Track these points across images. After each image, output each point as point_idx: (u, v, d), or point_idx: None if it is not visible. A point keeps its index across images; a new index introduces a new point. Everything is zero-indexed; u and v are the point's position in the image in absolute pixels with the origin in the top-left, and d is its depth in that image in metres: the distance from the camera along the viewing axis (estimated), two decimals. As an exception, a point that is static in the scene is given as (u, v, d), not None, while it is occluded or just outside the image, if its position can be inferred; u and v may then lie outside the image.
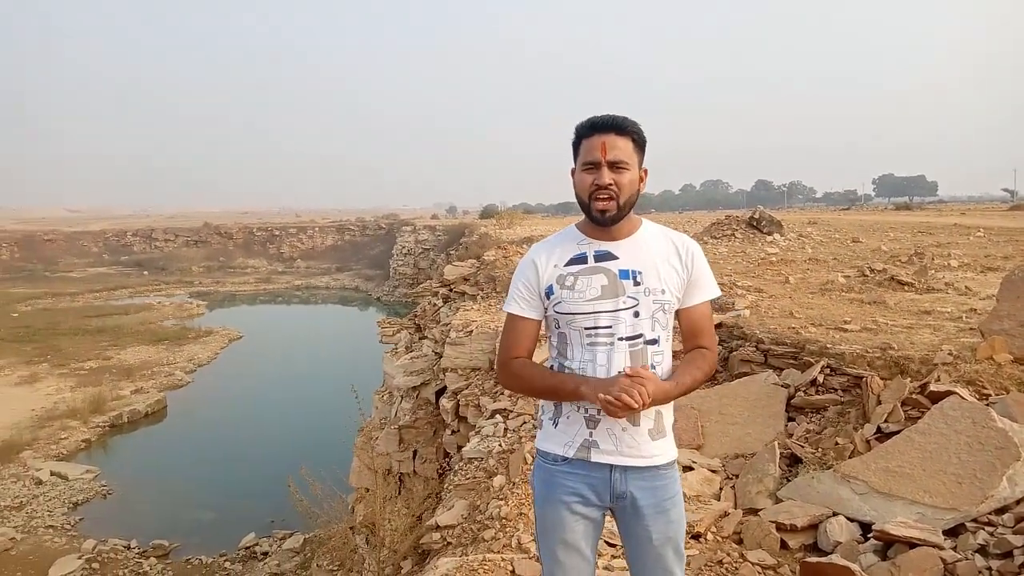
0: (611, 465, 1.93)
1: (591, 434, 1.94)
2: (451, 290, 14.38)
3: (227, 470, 18.42)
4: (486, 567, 3.11)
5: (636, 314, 1.92)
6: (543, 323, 2.09)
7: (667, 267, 1.96)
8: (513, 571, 3.08)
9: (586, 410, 1.94)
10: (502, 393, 8.99)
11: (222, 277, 62.77)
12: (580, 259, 1.97)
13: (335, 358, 28.68)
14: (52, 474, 17.44)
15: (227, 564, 13.89)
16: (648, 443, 1.93)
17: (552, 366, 2.05)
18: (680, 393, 1.93)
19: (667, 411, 1.98)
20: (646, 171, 2.00)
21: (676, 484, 2.00)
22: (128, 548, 14.23)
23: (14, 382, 25.46)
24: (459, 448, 8.51)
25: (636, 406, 1.77)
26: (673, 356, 2.05)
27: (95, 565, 13.43)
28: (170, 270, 63.81)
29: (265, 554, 14.10)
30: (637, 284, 1.93)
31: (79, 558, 13.51)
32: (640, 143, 1.95)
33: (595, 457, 1.94)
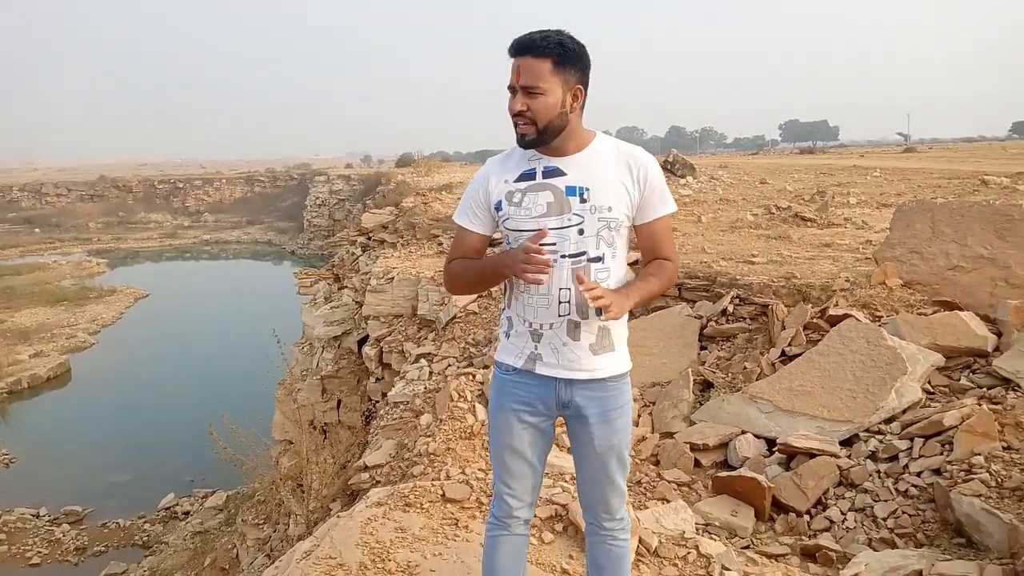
0: (555, 377, 1.99)
1: (536, 347, 2.00)
2: (370, 238, 14.14)
3: (141, 432, 17.81)
4: (416, 492, 3.18)
5: (581, 231, 1.91)
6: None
7: (617, 184, 1.93)
8: (444, 495, 3.17)
9: (530, 324, 2.00)
10: (425, 338, 9.03)
11: (123, 233, 59.45)
12: (529, 175, 1.96)
13: (250, 313, 27.86)
14: (-53, 445, 16.44)
15: (146, 526, 13.59)
16: (589, 357, 1.96)
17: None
18: (639, 298, 1.91)
19: (615, 327, 1.98)
20: (580, 89, 1.90)
21: (623, 396, 2.03)
22: (37, 516, 13.68)
23: None
24: (384, 395, 8.52)
25: (541, 263, 1.80)
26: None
27: (1, 536, 12.87)
28: (65, 227, 59.88)
29: (187, 513, 13.84)
30: (584, 201, 1.90)
31: (-16, 529, 12.91)
32: (563, 61, 1.85)
33: (539, 369, 2.00)
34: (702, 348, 5.57)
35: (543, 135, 1.89)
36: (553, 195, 1.92)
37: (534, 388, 2.02)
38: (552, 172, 1.94)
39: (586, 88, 1.93)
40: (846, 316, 4.87)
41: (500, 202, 1.99)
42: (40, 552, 12.53)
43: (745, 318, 5.58)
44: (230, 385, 19.52)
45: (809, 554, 3.28)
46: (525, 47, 1.85)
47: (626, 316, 2.00)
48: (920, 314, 4.87)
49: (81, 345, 25.52)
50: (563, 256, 1.92)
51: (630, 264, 2.12)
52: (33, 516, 13.64)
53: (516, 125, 1.90)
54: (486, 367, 5.95)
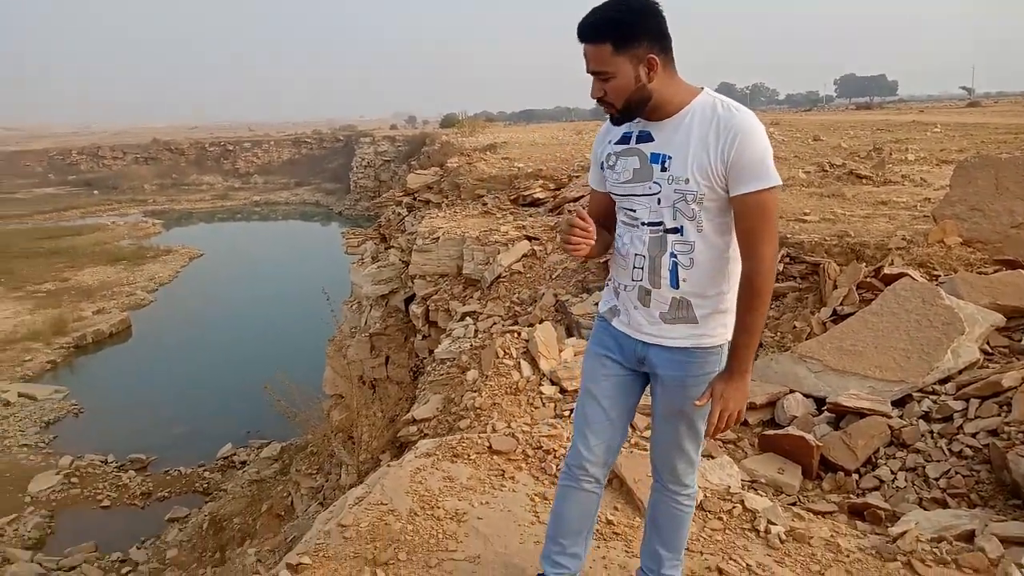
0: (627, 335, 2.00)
1: (617, 303, 2.02)
2: (415, 199, 14.23)
3: (199, 385, 18.51)
4: (464, 444, 3.26)
5: (658, 201, 1.85)
6: None
7: (700, 152, 1.78)
8: (490, 447, 3.24)
9: (614, 280, 2.02)
10: (471, 297, 9.12)
11: (176, 195, 60.95)
12: (626, 138, 1.92)
13: (300, 273, 28.45)
14: (20, 395, 17.36)
15: (206, 474, 14.19)
16: (659, 325, 1.92)
17: None
18: (747, 364, 1.83)
19: (699, 300, 1.88)
20: (653, 58, 1.76)
21: (705, 366, 1.92)
22: (105, 463, 14.41)
23: (-31, 307, 24.88)
24: (430, 352, 8.67)
25: (572, 246, 1.82)
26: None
27: (74, 479, 13.62)
28: (121, 189, 61.63)
29: (244, 463, 14.40)
30: (664, 170, 1.83)
31: (57, 473, 13.67)
32: (623, 39, 1.75)
33: (615, 323, 2.03)
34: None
35: (629, 111, 1.84)
36: (639, 161, 1.88)
37: (618, 337, 2.02)
38: (644, 137, 1.88)
39: (664, 48, 1.79)
40: (901, 275, 4.74)
41: (603, 164, 1.99)
42: (109, 496, 13.24)
43: (795, 277, 5.48)
44: (283, 341, 20.08)
45: (857, 512, 3.26)
46: (584, 34, 1.79)
47: (728, 292, 1.90)
48: (980, 273, 4.72)
49: (140, 303, 26.46)
50: (642, 223, 1.89)
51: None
52: (102, 462, 14.38)
53: (602, 106, 1.88)
54: (531, 325, 5.99)
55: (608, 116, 1.91)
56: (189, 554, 11.24)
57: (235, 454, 14.81)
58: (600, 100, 1.84)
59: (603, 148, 1.99)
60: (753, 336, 1.83)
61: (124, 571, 10.89)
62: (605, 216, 2.07)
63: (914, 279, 4.66)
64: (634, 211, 1.90)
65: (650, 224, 1.87)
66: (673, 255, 1.86)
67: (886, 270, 4.88)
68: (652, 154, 1.85)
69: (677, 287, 1.87)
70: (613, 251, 2.04)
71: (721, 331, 1.91)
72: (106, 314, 24.42)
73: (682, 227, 1.84)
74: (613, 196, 1.98)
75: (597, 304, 6.59)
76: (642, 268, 1.91)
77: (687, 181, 1.79)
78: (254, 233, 46.08)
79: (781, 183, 1.78)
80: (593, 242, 1.86)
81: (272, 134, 76.71)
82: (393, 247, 13.13)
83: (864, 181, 8.38)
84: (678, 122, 1.82)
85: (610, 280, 2.07)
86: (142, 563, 11.08)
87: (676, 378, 1.94)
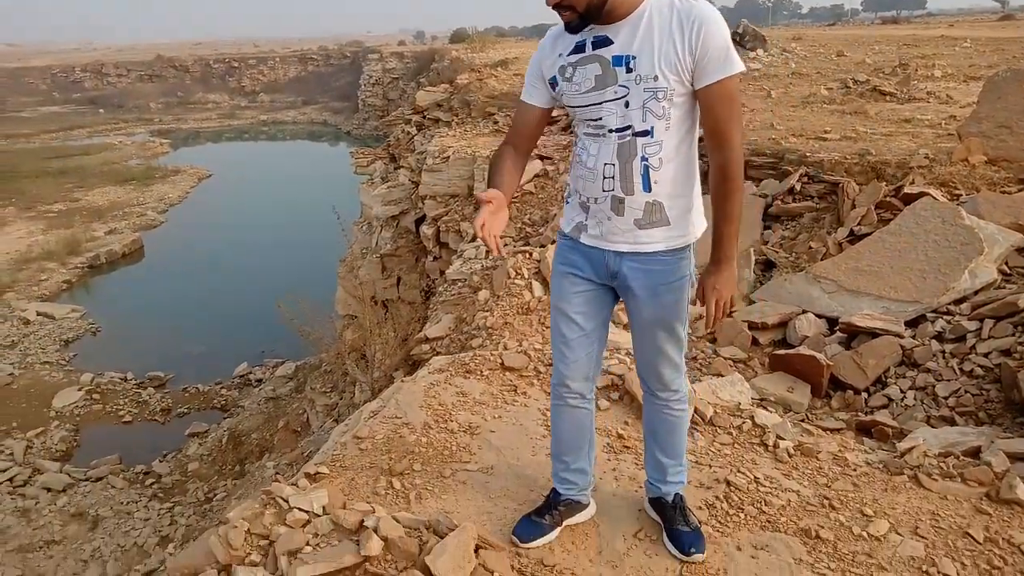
0: (599, 248, 1.97)
1: (585, 218, 1.97)
2: (424, 117, 13.96)
3: (212, 305, 18.75)
4: (476, 360, 3.29)
5: (627, 104, 1.79)
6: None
7: (667, 47, 1.74)
8: (502, 363, 3.27)
9: (580, 195, 1.97)
10: (482, 218, 9.06)
11: (183, 113, 60.10)
12: (580, 47, 1.84)
13: (309, 193, 28.30)
14: (39, 314, 17.65)
15: (223, 391, 14.54)
16: (634, 231, 1.90)
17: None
18: (729, 250, 1.86)
19: (671, 202, 1.87)
20: None
21: (676, 271, 1.93)
22: (125, 380, 14.77)
23: (-17, 227, 25.03)
24: (441, 273, 8.69)
25: (486, 239, 1.75)
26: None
27: (95, 396, 14.01)
28: (127, 107, 60.79)
29: (259, 381, 14.74)
30: (629, 71, 1.77)
31: (79, 390, 14.05)
32: None
33: (583, 239, 1.99)
34: (766, 228, 5.44)
35: (587, 16, 1.77)
36: (600, 67, 1.81)
37: (586, 252, 2.00)
38: (601, 42, 1.81)
39: None
40: (922, 194, 4.65)
41: (555, 77, 1.91)
42: (130, 411, 13.64)
43: (813, 197, 5.39)
44: (294, 262, 20.19)
45: (864, 429, 3.30)
46: None
47: (693, 188, 1.91)
48: (1003, 192, 4.62)
49: (151, 223, 26.51)
50: (609, 131, 1.84)
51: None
52: (121, 380, 14.75)
53: (560, 15, 1.80)
54: (542, 246, 5.96)
55: (566, 26, 1.82)
56: (210, 467, 11.65)
57: (251, 372, 15.14)
58: (558, 6, 1.76)
59: (552, 61, 1.91)
60: (733, 222, 1.84)
61: (148, 483, 11.32)
62: (528, 138, 2.05)
63: (935, 198, 4.57)
64: (599, 119, 1.85)
65: (618, 130, 1.83)
66: (644, 158, 1.83)
67: (907, 189, 4.78)
68: (615, 57, 1.79)
69: (649, 190, 1.85)
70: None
71: (691, 229, 1.93)
72: (118, 234, 24.53)
73: (652, 128, 1.81)
74: (572, 109, 1.92)
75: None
76: (612, 177, 1.86)
77: (656, 78, 1.75)
78: (262, 153, 45.61)
79: (744, 69, 1.77)
80: (504, 222, 1.83)
81: (278, 51, 74.88)
82: (403, 167, 12.98)
83: (888, 98, 8.12)
84: (636, 21, 1.77)
85: (571, 196, 2.03)
86: (165, 475, 11.50)
87: (648, 287, 1.94)
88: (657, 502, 2.21)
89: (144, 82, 65.98)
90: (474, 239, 8.18)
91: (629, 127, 1.81)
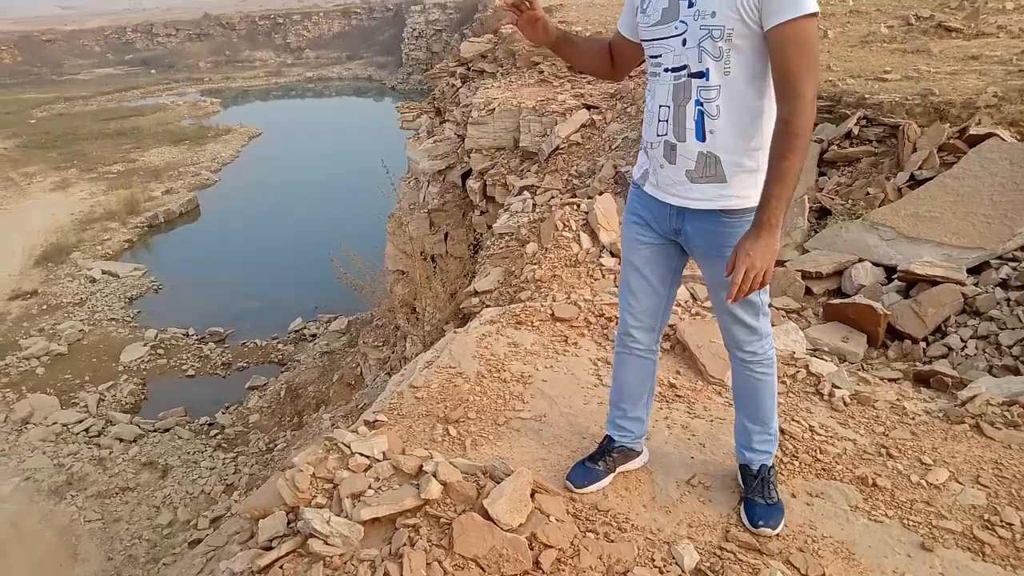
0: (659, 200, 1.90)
1: (648, 165, 1.92)
2: (469, 69, 13.78)
3: (267, 261, 19.23)
4: (527, 312, 3.33)
5: (684, 42, 1.70)
6: None
7: None
8: (553, 314, 3.30)
9: (643, 139, 1.92)
10: (528, 170, 8.99)
11: (231, 72, 60.68)
12: None
13: (357, 149, 28.48)
14: (104, 272, 18.39)
15: (280, 346, 15.02)
16: (686, 185, 1.80)
17: None
18: (778, 213, 1.65)
19: (729, 156, 1.75)
20: None
21: (742, 233, 1.75)
22: (187, 335, 15.37)
23: (48, 188, 25.96)
24: (489, 227, 8.70)
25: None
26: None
27: (160, 351, 14.63)
28: (177, 67, 61.65)
29: (314, 336, 15.16)
30: (691, 5, 1.67)
31: (144, 345, 14.70)
32: None
33: (646, 187, 1.94)
34: (821, 174, 5.28)
35: None
36: (668, 0, 1.73)
37: (651, 205, 1.93)
38: None
39: None
40: (989, 135, 4.44)
41: (637, 7, 1.84)
42: (193, 365, 14.23)
43: (872, 140, 5.19)
44: (344, 217, 20.45)
45: (923, 379, 3.24)
46: None
47: (755, 148, 1.75)
48: (1080, 132, 4.37)
49: (206, 183, 27.12)
50: (665, 70, 1.76)
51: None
52: (183, 335, 15.35)
53: None
54: (589, 198, 5.91)
55: None
56: (270, 419, 12.12)
57: (305, 327, 15.56)
58: None
59: None
60: (786, 185, 1.65)
61: (212, 433, 11.87)
62: (623, 61, 2.02)
63: (1003, 139, 4.36)
64: (658, 56, 1.78)
65: (673, 70, 1.74)
66: (699, 103, 1.72)
67: (972, 130, 4.57)
68: None
69: (703, 139, 1.74)
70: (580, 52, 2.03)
71: (753, 192, 1.76)
72: (175, 194, 25.20)
73: (707, 70, 1.69)
74: (643, 44, 1.84)
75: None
76: (667, 121, 1.79)
77: (713, 15, 1.64)
78: (309, 110, 45.96)
79: (818, 11, 1.61)
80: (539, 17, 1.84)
81: (321, 4, 74.55)
82: (448, 121, 12.90)
83: (954, 34, 7.69)
84: None
85: (641, 142, 1.96)
86: (228, 426, 12.02)
87: (711, 247, 1.85)
88: (743, 469, 2.14)
89: (192, 41, 66.69)
90: (520, 192, 8.16)
91: (685, 67, 1.72)
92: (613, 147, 7.70)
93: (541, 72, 11.29)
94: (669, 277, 2.05)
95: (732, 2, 1.62)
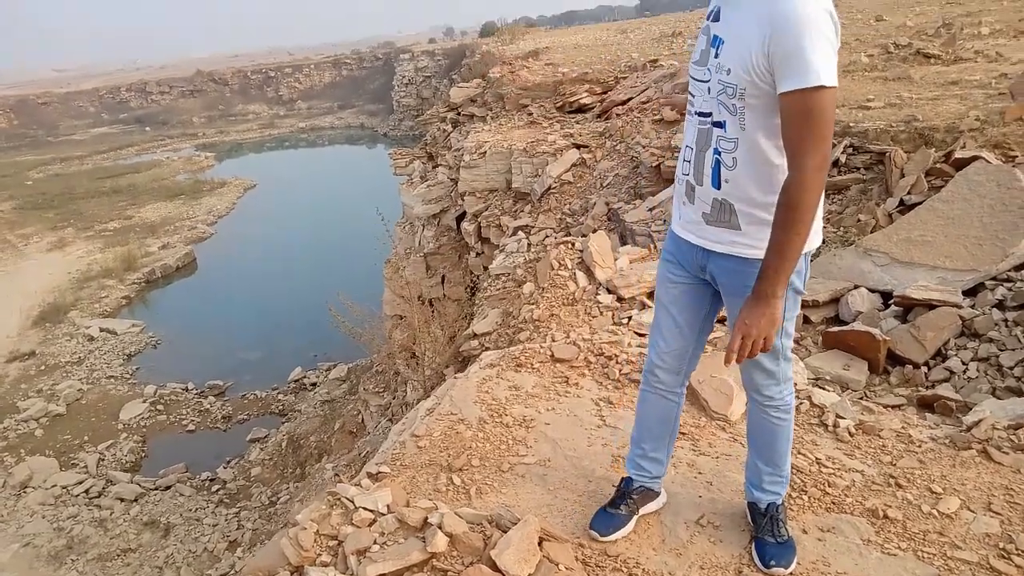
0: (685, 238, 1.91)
1: (677, 200, 1.93)
2: (459, 113, 14.00)
3: (265, 312, 19.25)
4: (527, 354, 3.32)
5: (709, 90, 1.69)
6: None
7: (747, 38, 1.58)
8: (552, 355, 3.29)
9: (677, 174, 1.91)
10: (522, 211, 9.07)
11: (224, 126, 61.57)
12: (711, 14, 1.74)
13: (351, 196, 28.77)
14: (101, 330, 18.38)
15: (280, 396, 14.95)
16: (702, 226, 1.81)
17: None
18: (781, 281, 1.62)
19: (744, 207, 1.72)
20: None
21: None
22: (186, 390, 15.30)
23: (45, 248, 26.10)
24: (485, 268, 8.73)
25: None
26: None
27: (159, 407, 14.55)
28: (171, 124, 62.56)
29: (314, 384, 15.09)
30: (716, 56, 1.67)
31: (144, 402, 14.61)
32: None
33: (673, 224, 1.96)
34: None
35: None
36: (706, 42, 1.72)
37: (680, 244, 1.93)
38: (715, 15, 1.71)
39: None
40: (975, 159, 4.49)
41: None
42: (193, 420, 14.14)
43: (859, 168, 5.25)
44: (340, 265, 20.55)
45: (927, 404, 3.22)
46: None
47: (774, 203, 1.64)
48: (1063, 151, 4.43)
49: (202, 236, 27.28)
50: (695, 112, 1.76)
51: None
52: (183, 390, 15.27)
53: None
54: (583, 235, 5.95)
55: None
56: (272, 471, 11.99)
57: (305, 376, 15.50)
58: None
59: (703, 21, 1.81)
60: (785, 258, 1.59)
61: (214, 489, 11.72)
62: None
63: (988, 162, 4.41)
64: (693, 96, 1.78)
65: (700, 114, 1.74)
66: (717, 151, 1.71)
67: (958, 154, 4.62)
68: (714, 36, 1.69)
69: (719, 187, 1.73)
70: None
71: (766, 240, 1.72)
72: (171, 248, 25.34)
73: (725, 122, 1.67)
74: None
75: (651, 210, 6.47)
76: (689, 161, 1.80)
77: (728, 72, 1.62)
78: (303, 160, 46.49)
79: (832, 84, 1.50)
80: None
81: (312, 57, 76.01)
82: (441, 165, 13.05)
83: (932, 61, 7.84)
84: (743, 2, 1.62)
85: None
86: (230, 481, 11.88)
87: (734, 287, 1.82)
88: (751, 507, 2.12)
89: (186, 98, 67.73)
90: (515, 233, 8.21)
91: (709, 114, 1.71)
92: (604, 184, 7.77)
93: (530, 114, 11.46)
94: (699, 322, 2.01)
95: (745, 63, 1.59)
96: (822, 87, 1.50)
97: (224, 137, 57.46)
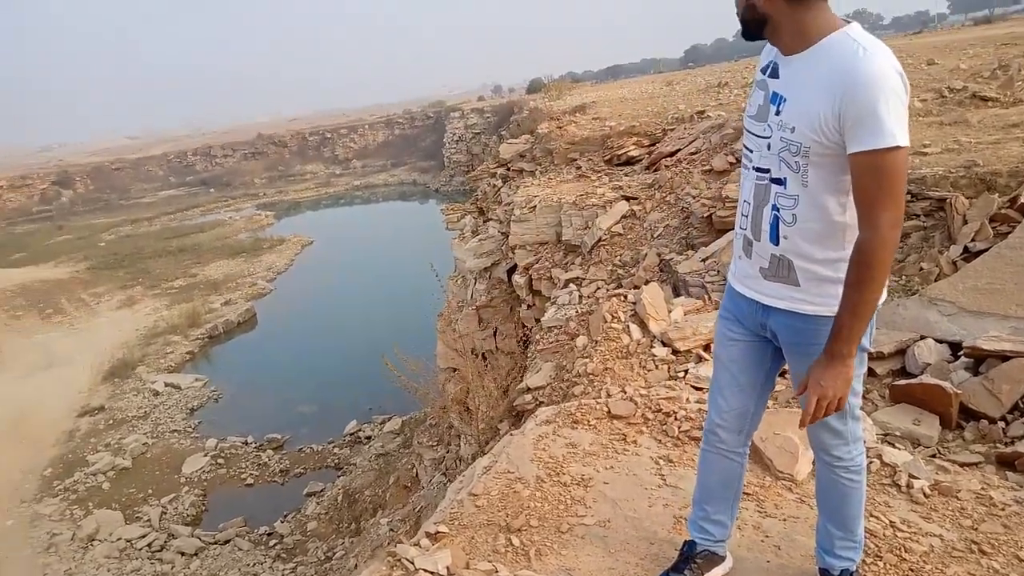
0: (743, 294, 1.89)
1: (734, 253, 1.94)
2: (509, 169, 14.26)
3: (321, 366, 19.57)
4: (583, 410, 3.30)
5: (769, 146, 1.71)
6: None
7: (816, 99, 1.58)
8: (609, 411, 3.26)
9: (735, 228, 1.90)
10: (572, 263, 9.10)
11: (284, 186, 63.95)
12: (765, 68, 1.76)
13: (404, 251, 29.34)
14: (166, 385, 18.96)
15: (336, 450, 15.07)
16: (760, 280, 1.80)
17: None
18: (851, 341, 1.61)
19: (803, 263, 1.71)
20: None
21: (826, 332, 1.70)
22: (246, 444, 15.57)
23: (115, 306, 27.26)
24: (537, 321, 8.75)
25: None
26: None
27: (220, 460, 14.82)
28: (234, 184, 65.32)
29: (369, 438, 15.19)
30: (777, 113, 1.67)
31: (205, 455, 14.91)
32: None
33: (730, 279, 1.95)
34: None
35: (746, 28, 1.72)
36: (764, 98, 1.74)
37: (738, 300, 1.91)
38: (774, 71, 1.72)
39: None
40: (1043, 203, 4.35)
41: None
42: (252, 474, 14.34)
43: (919, 215, 5.13)
44: (395, 318, 20.83)
45: (1007, 462, 3.06)
46: None
47: (835, 260, 1.69)
48: None
49: (261, 292, 28.12)
50: (753, 168, 1.77)
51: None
52: (243, 443, 15.56)
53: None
54: (635, 287, 5.93)
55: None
56: (327, 525, 12.02)
57: (360, 430, 15.63)
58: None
59: (757, 74, 1.83)
60: (859, 316, 1.59)
61: (271, 543, 11.80)
62: None
63: (1058, 206, 4.27)
64: (751, 152, 1.78)
65: (758, 169, 1.74)
66: (775, 207, 1.71)
67: (1023, 199, 4.49)
68: (773, 93, 1.70)
69: (777, 243, 1.72)
70: None
71: (829, 301, 1.71)
72: (233, 305, 26.15)
73: (786, 179, 1.67)
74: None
75: (704, 260, 6.42)
76: (747, 216, 1.80)
77: (793, 130, 1.63)
78: (358, 216, 47.80)
79: (906, 144, 1.52)
80: None
81: (366, 118, 78.86)
82: (491, 219, 13.25)
83: (990, 104, 7.67)
84: (804, 60, 1.64)
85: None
86: (287, 535, 11.95)
87: (796, 345, 1.80)
88: (823, 573, 2.04)
89: (248, 160, 70.81)
90: (566, 285, 8.24)
91: (768, 170, 1.72)
92: (655, 236, 7.76)
93: (579, 168, 11.60)
94: (760, 380, 1.98)
95: (812, 123, 1.59)
96: (897, 147, 1.52)
97: (283, 196, 59.60)
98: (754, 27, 1.69)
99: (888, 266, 1.59)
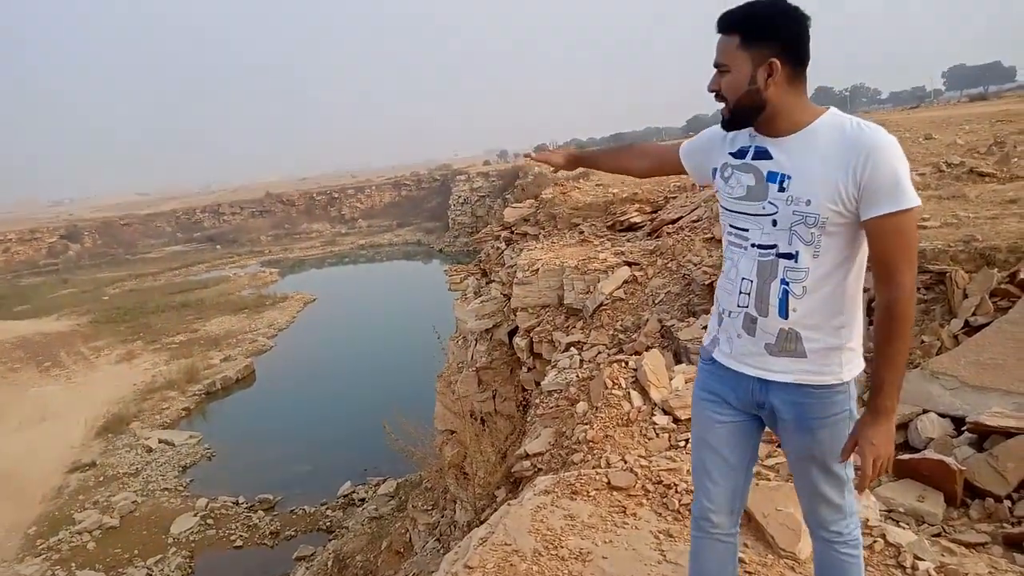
0: (737, 371, 1.87)
1: (718, 331, 1.92)
2: (512, 232, 14.41)
3: (318, 425, 19.34)
4: (582, 480, 3.24)
5: (774, 223, 1.72)
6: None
7: (828, 173, 1.64)
8: (609, 482, 3.20)
9: (718, 304, 1.91)
10: (574, 327, 9.10)
11: (289, 244, 64.61)
12: (743, 152, 1.80)
13: (406, 311, 29.40)
14: (160, 442, 18.71)
15: (328, 512, 14.74)
16: (764, 357, 1.79)
17: None
18: (892, 397, 1.68)
19: (811, 334, 1.74)
20: (775, 62, 1.66)
21: (834, 405, 1.77)
22: (237, 504, 15.25)
23: (114, 360, 27.14)
24: (537, 384, 8.69)
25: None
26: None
27: (209, 521, 14.49)
28: (240, 242, 66.03)
29: (362, 500, 14.88)
30: (782, 190, 1.70)
31: (195, 515, 14.59)
32: (753, 35, 1.67)
33: (716, 355, 1.92)
34: (869, 324, 5.21)
35: (736, 115, 1.76)
36: (755, 179, 1.76)
37: (727, 379, 1.89)
38: (761, 153, 1.76)
39: (795, 59, 1.69)
40: (1042, 279, 4.38)
41: (715, 170, 1.90)
42: (242, 536, 13.99)
43: (919, 288, 5.15)
44: (394, 378, 20.70)
45: (1014, 543, 2.99)
46: (720, 22, 1.72)
47: (846, 325, 1.75)
48: None
49: (262, 348, 28.04)
50: (752, 245, 1.78)
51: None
52: (233, 503, 15.23)
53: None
54: (636, 353, 5.91)
55: (721, 120, 1.82)
56: (317, 592, 11.65)
57: (354, 492, 15.33)
58: (716, 95, 1.77)
59: (720, 153, 1.88)
60: (897, 368, 1.67)
61: (259, 608, 11.42)
62: (658, 156, 2.23)
63: (1057, 283, 4.29)
64: (744, 231, 1.79)
65: (760, 246, 1.75)
66: (784, 282, 1.73)
67: (1022, 274, 4.52)
68: (770, 173, 1.73)
69: (786, 317, 1.73)
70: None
71: (835, 369, 1.75)
72: (232, 361, 26.04)
73: (797, 252, 1.70)
74: (723, 212, 1.88)
75: (705, 327, 6.43)
76: (748, 294, 1.79)
77: (808, 203, 1.66)
78: (362, 275, 48.07)
79: (919, 204, 1.62)
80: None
81: (373, 179, 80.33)
82: (494, 281, 13.32)
83: (987, 179, 7.81)
84: (801, 140, 1.70)
85: (714, 304, 1.96)
86: (275, 601, 11.57)
87: (798, 419, 1.79)
88: None
89: (255, 217, 71.81)
90: (567, 349, 8.21)
91: (774, 246, 1.74)
92: (656, 302, 7.78)
93: (581, 232, 11.73)
94: (748, 456, 1.97)
95: (832, 195, 1.64)
96: (916, 207, 1.62)
97: (288, 254, 60.14)
98: (751, 114, 1.74)
99: (913, 319, 1.69)
